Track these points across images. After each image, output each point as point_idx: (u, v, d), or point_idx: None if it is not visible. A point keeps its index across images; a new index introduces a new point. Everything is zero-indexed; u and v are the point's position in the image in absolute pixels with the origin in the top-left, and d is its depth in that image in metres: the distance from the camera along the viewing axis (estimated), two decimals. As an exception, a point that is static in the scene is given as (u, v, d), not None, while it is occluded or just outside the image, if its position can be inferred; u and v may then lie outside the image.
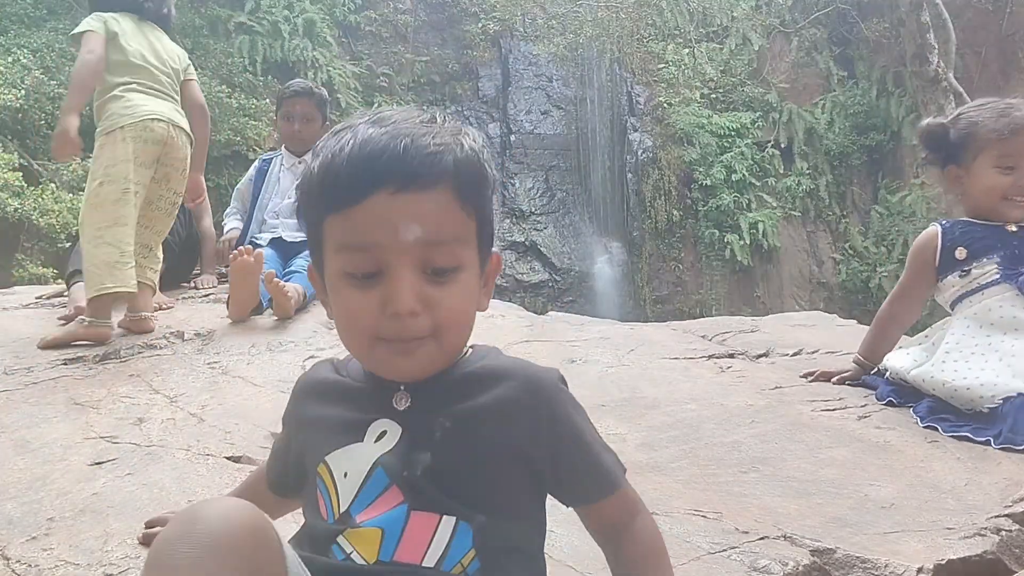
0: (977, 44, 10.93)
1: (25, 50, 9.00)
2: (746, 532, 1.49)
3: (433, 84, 12.83)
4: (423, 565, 0.86)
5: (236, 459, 1.73)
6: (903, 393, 2.30)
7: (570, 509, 1.01)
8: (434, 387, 0.93)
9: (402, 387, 0.93)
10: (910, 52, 9.71)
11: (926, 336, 2.45)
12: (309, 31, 11.50)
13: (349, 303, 0.89)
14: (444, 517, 0.88)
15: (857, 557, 1.41)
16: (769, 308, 11.09)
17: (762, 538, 1.47)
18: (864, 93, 12.16)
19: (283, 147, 3.80)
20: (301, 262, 3.33)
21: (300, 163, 3.65)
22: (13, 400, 2.11)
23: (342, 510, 0.90)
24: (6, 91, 7.88)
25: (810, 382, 2.49)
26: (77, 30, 2.98)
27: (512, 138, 12.71)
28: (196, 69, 3.33)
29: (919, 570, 1.38)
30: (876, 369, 2.46)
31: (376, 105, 12.05)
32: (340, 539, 0.88)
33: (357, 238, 0.86)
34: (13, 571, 1.29)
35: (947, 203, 2.46)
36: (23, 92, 8.12)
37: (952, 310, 2.36)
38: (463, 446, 0.90)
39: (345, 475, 0.91)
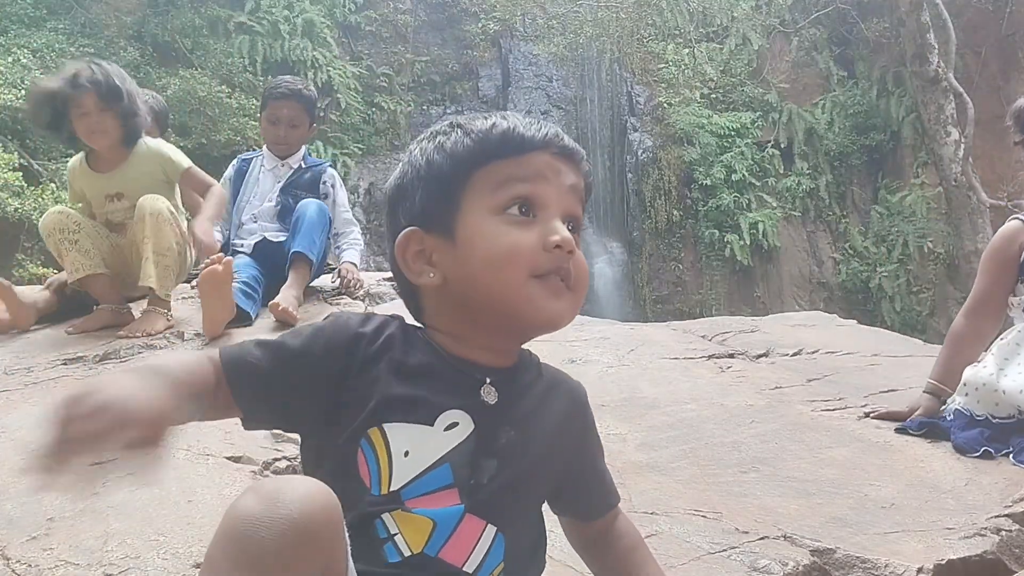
0: (977, 44, 10.93)
1: (25, 50, 9.01)
2: (746, 532, 1.49)
3: (433, 84, 12.83)
4: (463, 569, 0.88)
5: (236, 459, 1.73)
6: (996, 435, 1.96)
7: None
8: (512, 386, 0.95)
9: (488, 380, 0.93)
10: (910, 52, 9.71)
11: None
12: (309, 31, 11.50)
13: (509, 237, 0.90)
14: (488, 526, 0.89)
15: (857, 557, 1.41)
16: (769, 308, 11.09)
17: (762, 538, 1.47)
18: (864, 93, 12.16)
19: (265, 147, 3.53)
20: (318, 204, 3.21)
21: (282, 166, 3.43)
22: (13, 400, 2.11)
23: (392, 488, 0.87)
24: (6, 91, 7.89)
25: (875, 418, 2.18)
26: (185, 165, 2.99)
27: (512, 138, 12.68)
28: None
29: (919, 570, 1.38)
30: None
31: (376, 105, 12.05)
32: (386, 516, 0.86)
33: (525, 171, 0.93)
34: (13, 571, 1.29)
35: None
36: (23, 92, 8.13)
37: (1017, 321, 2.11)
38: (521, 457, 0.93)
39: (406, 454, 0.88)
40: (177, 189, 3.02)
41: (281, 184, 3.37)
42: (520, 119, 0.95)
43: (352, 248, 3.42)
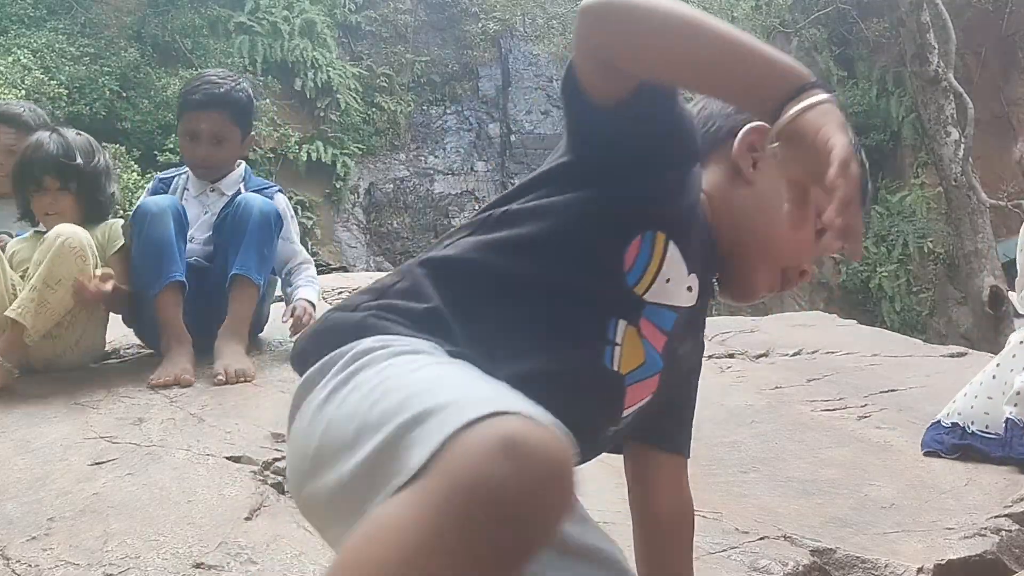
0: (977, 44, 10.93)
1: (25, 50, 9.01)
2: (746, 532, 1.49)
3: (433, 84, 12.83)
4: (624, 412, 0.91)
5: (236, 459, 1.73)
6: None
7: None
8: None
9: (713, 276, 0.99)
10: (910, 52, 9.71)
11: (997, 365, 2.05)
12: (309, 31, 11.50)
13: (805, 236, 0.92)
14: (651, 393, 0.93)
15: (857, 557, 1.41)
16: (769, 308, 11.07)
17: (762, 538, 1.47)
18: (864, 93, 12.15)
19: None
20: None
21: (212, 191, 2.52)
22: (13, 400, 2.11)
23: (644, 300, 0.87)
24: (6, 91, 7.89)
25: None
26: (122, 241, 2.38)
27: (512, 138, 12.71)
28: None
29: (919, 570, 1.38)
30: (938, 420, 2.07)
31: (376, 105, 12.04)
32: (621, 323, 0.86)
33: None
34: (13, 571, 1.29)
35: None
36: (23, 92, 8.13)
37: None
38: (684, 360, 0.99)
39: (668, 281, 0.88)
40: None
41: (214, 218, 2.46)
42: None
43: (309, 285, 2.52)
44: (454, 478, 0.53)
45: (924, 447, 2.03)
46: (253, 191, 2.51)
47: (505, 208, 0.87)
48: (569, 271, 0.83)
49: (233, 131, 2.50)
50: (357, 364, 0.74)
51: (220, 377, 2.16)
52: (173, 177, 2.62)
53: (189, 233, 2.42)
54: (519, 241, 0.84)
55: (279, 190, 2.65)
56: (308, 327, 0.88)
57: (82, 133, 2.48)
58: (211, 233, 2.46)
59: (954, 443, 2.00)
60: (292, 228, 2.58)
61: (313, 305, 2.43)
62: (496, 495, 0.51)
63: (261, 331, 2.58)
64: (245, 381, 2.18)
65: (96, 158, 2.42)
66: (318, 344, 0.81)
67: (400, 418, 0.61)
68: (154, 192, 2.57)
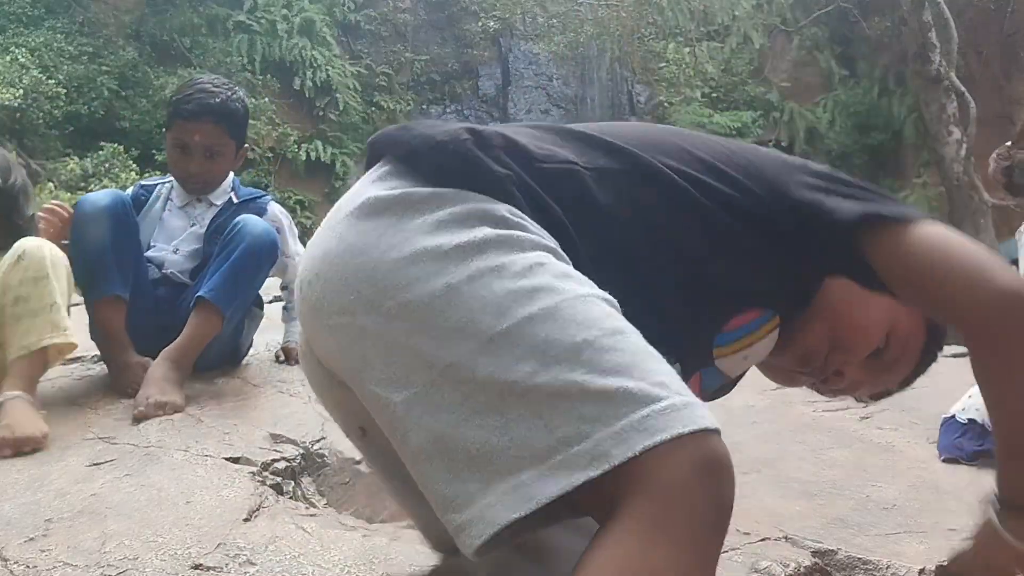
0: (979, 43, 10.92)
1: (23, 49, 9.01)
2: (747, 533, 1.48)
3: (433, 83, 12.84)
4: None
5: (235, 460, 1.72)
6: None
7: None
8: None
9: None
10: (912, 51, 9.71)
11: None
12: (308, 30, 11.51)
13: (876, 336, 0.98)
14: None
15: (859, 558, 1.41)
16: (769, 307, 11.09)
17: (763, 539, 1.46)
18: (866, 92, 12.15)
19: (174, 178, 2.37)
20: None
21: (200, 202, 2.32)
22: (11, 400, 2.10)
23: (711, 362, 0.92)
24: (4, 90, 7.90)
25: None
26: None
27: (512, 137, 12.71)
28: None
29: (921, 571, 1.38)
30: (953, 416, 2.03)
31: (376, 105, 12.04)
32: (676, 367, 0.87)
33: None
34: (11, 572, 1.29)
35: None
36: (21, 91, 8.13)
37: None
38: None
39: (745, 358, 0.94)
40: None
41: (203, 229, 2.28)
42: None
43: None
44: (682, 503, 0.62)
45: (943, 452, 1.97)
46: (243, 200, 2.35)
47: (702, 194, 0.82)
48: (684, 301, 0.82)
49: (228, 144, 2.30)
50: (497, 235, 0.68)
51: (141, 409, 1.90)
52: (156, 185, 2.40)
53: (179, 245, 2.27)
54: (678, 250, 0.81)
55: (272, 199, 2.47)
56: (424, 125, 0.79)
57: None
58: (200, 246, 2.26)
59: (975, 450, 1.95)
60: (290, 239, 2.42)
61: None
62: (722, 507, 0.64)
63: (239, 363, 2.39)
64: (165, 415, 1.92)
65: (13, 176, 2.09)
66: (433, 161, 0.74)
67: (583, 376, 0.64)
68: (135, 199, 2.32)
